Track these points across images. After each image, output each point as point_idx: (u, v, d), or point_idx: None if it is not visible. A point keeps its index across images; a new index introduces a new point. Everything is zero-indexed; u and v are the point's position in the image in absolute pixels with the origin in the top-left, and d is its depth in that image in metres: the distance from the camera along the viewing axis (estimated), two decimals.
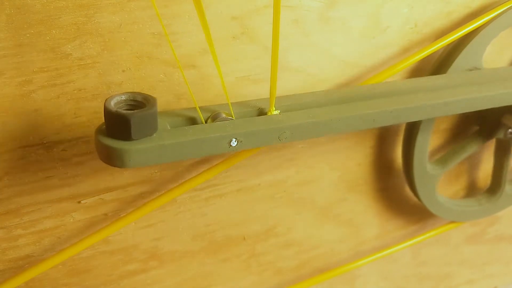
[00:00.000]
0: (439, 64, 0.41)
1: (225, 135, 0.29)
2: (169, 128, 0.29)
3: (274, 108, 0.32)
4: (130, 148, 0.26)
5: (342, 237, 0.49)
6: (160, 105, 0.34)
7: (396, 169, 0.47)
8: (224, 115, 0.31)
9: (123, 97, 0.28)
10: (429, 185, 0.44)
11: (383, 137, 0.45)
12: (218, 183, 0.40)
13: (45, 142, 0.32)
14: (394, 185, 0.48)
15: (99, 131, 0.27)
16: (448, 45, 0.40)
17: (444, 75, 0.40)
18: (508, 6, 0.39)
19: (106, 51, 0.31)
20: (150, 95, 0.28)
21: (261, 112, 0.32)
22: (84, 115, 0.32)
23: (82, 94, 0.32)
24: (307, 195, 0.44)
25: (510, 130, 0.45)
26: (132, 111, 0.26)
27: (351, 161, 0.44)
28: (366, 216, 0.49)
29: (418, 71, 0.42)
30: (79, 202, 0.35)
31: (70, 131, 0.33)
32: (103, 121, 0.27)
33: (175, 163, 0.37)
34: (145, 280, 0.41)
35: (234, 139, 0.30)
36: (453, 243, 0.57)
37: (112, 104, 0.27)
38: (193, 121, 0.31)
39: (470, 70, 0.41)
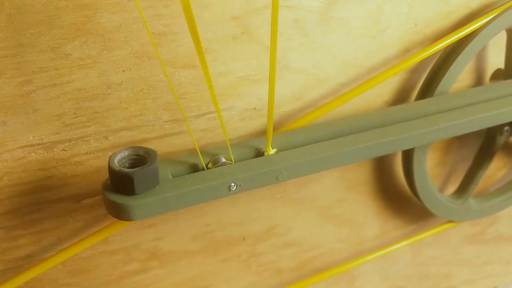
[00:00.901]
0: (440, 64, 0.41)
1: (224, 181, 0.31)
2: (171, 177, 0.31)
3: (270, 148, 0.33)
4: (134, 203, 0.28)
5: (342, 237, 0.49)
6: (160, 105, 0.34)
7: (396, 169, 0.47)
8: (224, 159, 0.32)
9: (126, 153, 0.29)
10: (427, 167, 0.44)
11: None
12: None
13: (45, 142, 0.32)
14: (394, 185, 0.48)
15: (106, 186, 0.29)
16: (448, 45, 0.40)
17: (431, 98, 0.41)
18: (508, 6, 0.39)
19: (106, 51, 0.31)
20: (151, 149, 0.29)
21: (259, 153, 0.34)
22: (84, 115, 0.32)
23: (82, 94, 0.32)
24: (307, 195, 0.44)
25: (506, 128, 0.44)
26: (134, 169, 0.28)
27: None
28: (366, 216, 0.49)
29: (418, 71, 0.42)
30: (79, 202, 0.35)
31: (70, 131, 0.33)
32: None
33: None
34: (145, 280, 0.41)
35: (233, 184, 0.31)
36: (453, 243, 0.57)
37: (116, 161, 0.28)
38: (194, 167, 0.32)
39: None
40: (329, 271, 0.48)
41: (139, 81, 0.33)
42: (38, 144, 0.32)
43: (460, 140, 0.49)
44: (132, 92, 0.33)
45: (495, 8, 0.39)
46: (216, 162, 0.32)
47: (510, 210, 0.54)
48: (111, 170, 0.28)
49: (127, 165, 0.29)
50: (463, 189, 0.48)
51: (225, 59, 0.35)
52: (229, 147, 0.32)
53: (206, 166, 0.32)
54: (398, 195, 0.49)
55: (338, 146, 0.34)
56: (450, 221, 0.50)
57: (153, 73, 0.33)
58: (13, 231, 0.34)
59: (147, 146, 0.35)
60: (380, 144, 0.35)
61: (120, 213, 0.29)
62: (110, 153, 0.34)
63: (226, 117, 0.37)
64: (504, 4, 0.40)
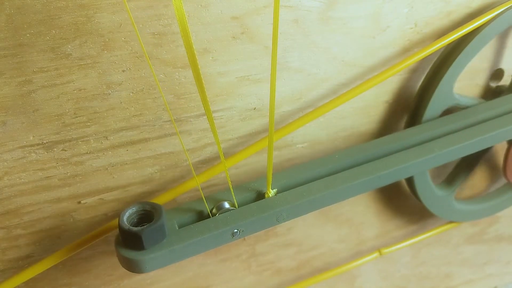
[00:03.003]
0: (439, 64, 0.41)
1: (228, 229, 0.32)
2: (177, 228, 0.32)
3: (270, 190, 0.34)
4: (144, 258, 0.30)
5: (342, 237, 0.49)
6: (160, 105, 0.34)
7: None
8: (227, 204, 0.34)
9: (134, 209, 0.31)
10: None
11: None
12: (218, 183, 0.40)
13: (45, 142, 0.32)
14: (394, 185, 0.48)
15: (117, 242, 0.31)
16: (448, 45, 0.40)
17: (424, 125, 0.41)
18: (508, 6, 0.39)
19: (106, 51, 0.31)
20: (157, 204, 0.31)
21: (260, 194, 0.35)
22: (84, 115, 0.32)
23: (82, 94, 0.32)
24: None
25: None
26: (142, 227, 0.30)
27: None
28: (366, 216, 0.49)
29: (418, 70, 0.42)
30: (79, 202, 0.35)
31: (70, 131, 0.33)
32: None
33: (175, 162, 0.37)
34: (145, 280, 0.41)
35: (236, 230, 0.32)
36: (453, 243, 0.57)
37: (125, 219, 0.30)
38: (199, 214, 0.34)
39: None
40: (329, 271, 0.48)
41: (139, 81, 0.33)
42: (38, 144, 0.32)
43: None
44: (132, 92, 0.33)
45: (496, 7, 0.39)
46: (219, 208, 0.34)
47: (510, 210, 0.54)
48: (121, 229, 0.30)
49: (135, 220, 0.31)
50: (449, 182, 0.48)
51: (225, 59, 0.35)
52: (233, 193, 0.34)
53: (211, 211, 0.34)
54: (398, 195, 0.49)
55: (336, 183, 0.35)
56: (450, 222, 0.50)
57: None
58: (13, 231, 0.34)
59: (148, 148, 0.35)
60: (377, 178, 0.36)
61: (132, 267, 0.31)
62: (110, 153, 0.34)
63: (226, 117, 0.37)
64: (504, 3, 0.40)
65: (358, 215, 0.48)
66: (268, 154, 0.32)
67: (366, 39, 0.39)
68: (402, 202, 0.50)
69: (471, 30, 0.39)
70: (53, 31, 0.29)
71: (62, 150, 0.33)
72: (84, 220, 0.36)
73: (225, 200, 0.34)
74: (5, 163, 0.32)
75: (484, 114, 0.42)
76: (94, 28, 0.30)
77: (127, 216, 0.31)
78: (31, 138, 0.32)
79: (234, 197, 0.34)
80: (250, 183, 0.36)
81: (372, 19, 0.38)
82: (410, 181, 0.44)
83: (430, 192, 0.45)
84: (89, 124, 0.33)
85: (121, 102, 0.33)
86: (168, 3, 0.31)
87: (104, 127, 0.33)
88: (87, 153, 0.34)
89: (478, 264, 0.60)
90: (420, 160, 0.37)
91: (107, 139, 0.34)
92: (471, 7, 0.41)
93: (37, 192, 0.34)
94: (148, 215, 0.31)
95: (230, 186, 0.33)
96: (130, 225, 0.30)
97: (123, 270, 0.40)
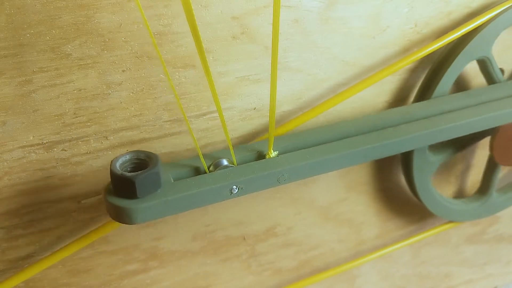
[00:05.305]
0: (439, 64, 0.41)
1: (226, 184, 0.31)
2: (172, 181, 0.31)
3: (272, 151, 0.33)
4: (136, 207, 0.28)
5: (342, 237, 0.49)
6: (160, 105, 0.34)
7: (396, 169, 0.47)
8: (225, 162, 0.32)
9: (128, 157, 0.29)
10: (427, 171, 0.44)
11: None
12: None
13: (45, 142, 0.32)
14: (394, 185, 0.48)
15: (107, 190, 0.29)
16: (448, 44, 0.40)
17: (431, 100, 0.41)
18: (508, 5, 0.39)
19: (106, 51, 0.31)
20: (152, 153, 0.30)
21: (260, 155, 0.34)
22: (84, 115, 0.32)
23: (82, 94, 0.32)
24: (307, 195, 0.44)
25: None
26: (136, 172, 0.28)
27: None
28: (366, 216, 0.49)
29: (417, 71, 0.42)
30: (79, 202, 0.35)
31: (70, 131, 0.33)
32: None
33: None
34: (145, 280, 0.41)
35: (235, 187, 0.31)
36: (453, 243, 0.57)
37: (117, 165, 0.29)
38: (196, 170, 0.32)
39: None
40: (329, 271, 0.48)
41: (139, 81, 0.33)
42: (38, 144, 0.32)
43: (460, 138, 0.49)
44: (132, 92, 0.33)
45: (496, 7, 0.39)
46: (217, 165, 0.32)
47: (510, 210, 0.54)
48: (113, 174, 0.28)
49: (128, 169, 0.29)
50: (484, 190, 0.48)
51: (225, 59, 0.35)
52: (232, 150, 0.32)
53: (208, 169, 0.32)
54: (398, 195, 0.49)
55: (339, 148, 0.34)
56: (450, 221, 0.50)
57: (153, 73, 0.33)
58: (13, 231, 0.34)
59: (148, 148, 0.35)
60: (380, 146, 0.35)
61: (121, 217, 0.29)
62: (110, 153, 0.34)
63: (226, 117, 0.37)
64: (504, 3, 0.40)
65: (358, 215, 0.48)
66: (270, 111, 0.31)
67: (366, 39, 0.39)
68: (402, 202, 0.50)
69: (471, 29, 0.39)
70: (53, 31, 0.29)
71: (62, 150, 0.33)
72: (84, 220, 0.36)
73: (224, 158, 0.33)
74: (5, 163, 0.32)
75: (493, 94, 0.42)
76: (94, 28, 0.30)
77: (120, 163, 0.29)
78: (31, 138, 0.32)
79: (233, 154, 0.32)
80: (251, 144, 0.34)
81: (372, 19, 0.38)
82: (410, 180, 0.44)
83: (430, 191, 0.45)
84: (89, 124, 0.33)
85: (121, 102, 0.33)
86: (168, 3, 0.31)
87: (104, 127, 0.33)
88: (87, 153, 0.34)
89: (478, 264, 0.60)
90: (425, 132, 0.37)
91: (107, 139, 0.34)
92: (471, 7, 0.41)
93: (37, 192, 0.34)
94: (142, 164, 0.29)
95: (229, 140, 0.31)
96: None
97: (123, 270, 0.40)
